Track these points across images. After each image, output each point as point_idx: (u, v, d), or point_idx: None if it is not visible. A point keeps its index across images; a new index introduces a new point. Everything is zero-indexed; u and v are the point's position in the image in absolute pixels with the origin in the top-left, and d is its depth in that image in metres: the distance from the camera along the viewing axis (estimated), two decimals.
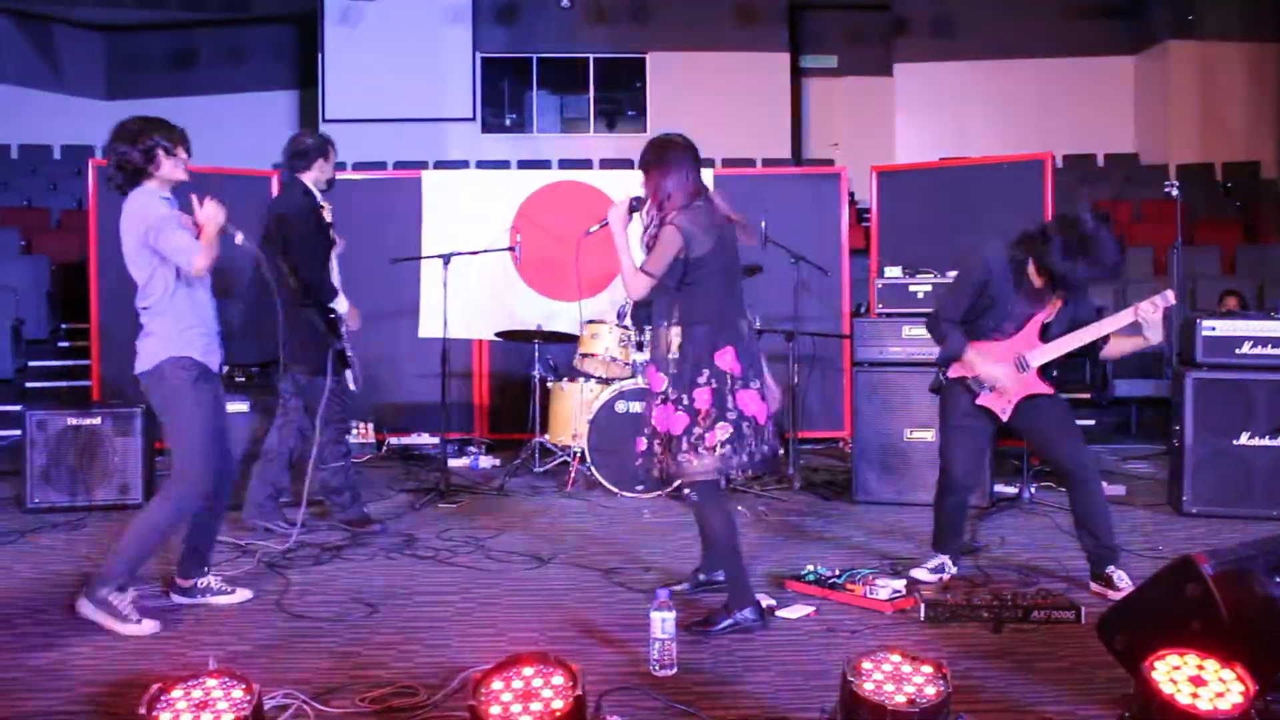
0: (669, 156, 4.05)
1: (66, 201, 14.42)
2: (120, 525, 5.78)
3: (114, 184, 4.13)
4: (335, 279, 5.67)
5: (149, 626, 4.05)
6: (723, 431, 3.95)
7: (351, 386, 5.69)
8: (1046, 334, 4.52)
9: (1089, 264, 4.20)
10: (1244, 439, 5.92)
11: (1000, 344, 4.53)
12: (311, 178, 5.65)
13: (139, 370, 4.16)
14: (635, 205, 4.15)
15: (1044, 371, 4.52)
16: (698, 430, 3.95)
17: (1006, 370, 4.49)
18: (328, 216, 5.67)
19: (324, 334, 5.52)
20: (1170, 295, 4.40)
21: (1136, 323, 4.37)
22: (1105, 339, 4.49)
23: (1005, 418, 4.56)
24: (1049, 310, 4.51)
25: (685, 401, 3.97)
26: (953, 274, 5.48)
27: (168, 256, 4.03)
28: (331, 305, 5.58)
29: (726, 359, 3.98)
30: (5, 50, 17.61)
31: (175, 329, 4.11)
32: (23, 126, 17.09)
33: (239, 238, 4.29)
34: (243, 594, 4.46)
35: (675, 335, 4.02)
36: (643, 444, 4.13)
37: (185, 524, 4.30)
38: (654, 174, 4.05)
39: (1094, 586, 4.50)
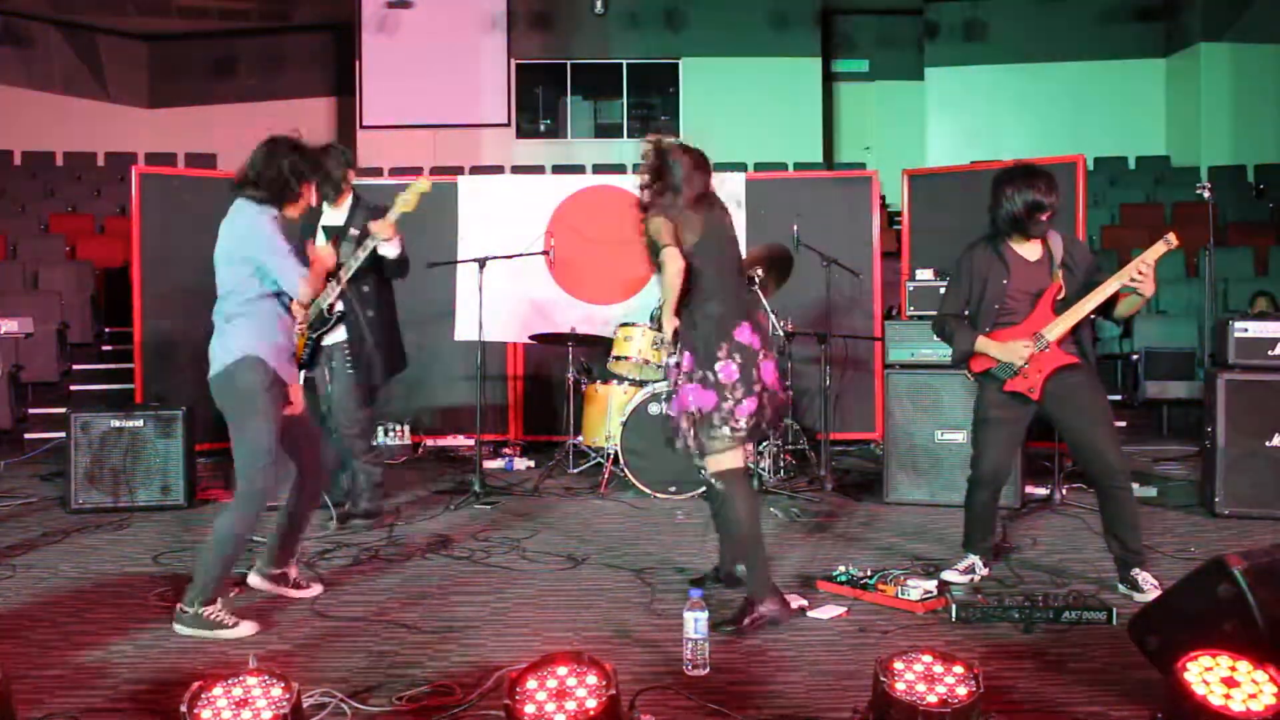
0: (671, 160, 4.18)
1: (110, 208, 14.56)
2: (161, 526, 5.91)
3: (248, 192, 4.09)
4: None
5: (247, 628, 4.03)
6: (751, 404, 4.06)
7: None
8: (1062, 310, 4.52)
9: (1027, 183, 4.43)
10: (1276, 440, 5.86)
11: (1015, 329, 4.52)
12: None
13: (211, 374, 4.08)
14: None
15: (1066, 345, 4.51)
16: (727, 405, 4.04)
17: (1025, 344, 4.48)
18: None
19: None
20: (1172, 238, 4.42)
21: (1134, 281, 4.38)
22: (1114, 302, 4.46)
23: (1035, 396, 4.52)
24: (1055, 286, 4.50)
25: (710, 378, 4.05)
26: None
27: (278, 280, 4.02)
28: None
29: (744, 334, 4.09)
30: (52, 60, 17.91)
31: (255, 331, 4.05)
32: (68, 134, 17.36)
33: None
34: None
35: (694, 313, 4.12)
36: (685, 424, 4.14)
37: (266, 521, 4.27)
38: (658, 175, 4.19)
39: (1121, 589, 4.49)
